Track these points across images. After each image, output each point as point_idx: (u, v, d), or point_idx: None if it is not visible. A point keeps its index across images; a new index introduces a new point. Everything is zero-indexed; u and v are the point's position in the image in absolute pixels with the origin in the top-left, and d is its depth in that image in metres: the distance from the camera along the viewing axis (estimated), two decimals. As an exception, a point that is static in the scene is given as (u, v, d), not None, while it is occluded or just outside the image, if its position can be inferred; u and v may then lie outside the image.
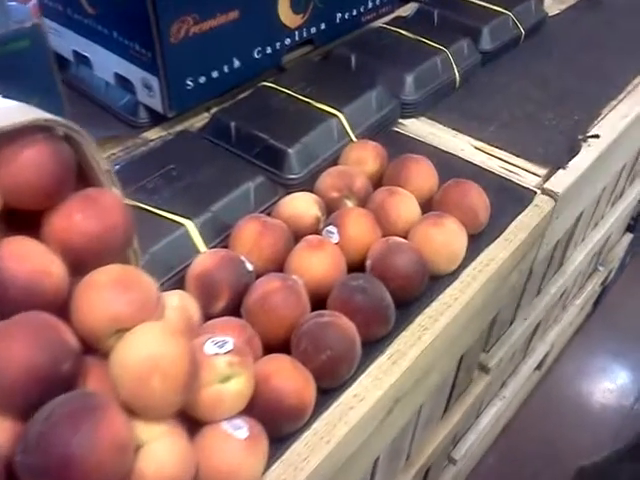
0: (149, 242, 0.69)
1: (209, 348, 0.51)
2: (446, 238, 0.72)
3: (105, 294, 0.48)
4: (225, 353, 0.51)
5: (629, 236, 1.93)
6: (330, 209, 0.77)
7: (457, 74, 1.06)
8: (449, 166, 0.88)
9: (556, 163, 0.91)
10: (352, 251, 0.72)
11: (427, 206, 0.80)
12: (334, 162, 0.86)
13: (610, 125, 1.01)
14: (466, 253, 0.75)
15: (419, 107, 1.00)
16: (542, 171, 0.90)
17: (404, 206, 0.76)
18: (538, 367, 1.71)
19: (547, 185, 0.87)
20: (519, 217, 0.82)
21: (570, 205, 0.95)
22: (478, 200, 0.77)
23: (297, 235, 0.73)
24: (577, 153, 0.94)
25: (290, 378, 0.56)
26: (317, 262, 0.68)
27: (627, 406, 1.85)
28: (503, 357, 1.18)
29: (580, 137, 0.96)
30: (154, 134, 0.93)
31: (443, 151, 0.92)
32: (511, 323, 1.20)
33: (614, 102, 1.07)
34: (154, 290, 0.51)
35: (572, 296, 1.68)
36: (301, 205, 0.75)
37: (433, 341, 0.68)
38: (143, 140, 0.92)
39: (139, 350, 0.45)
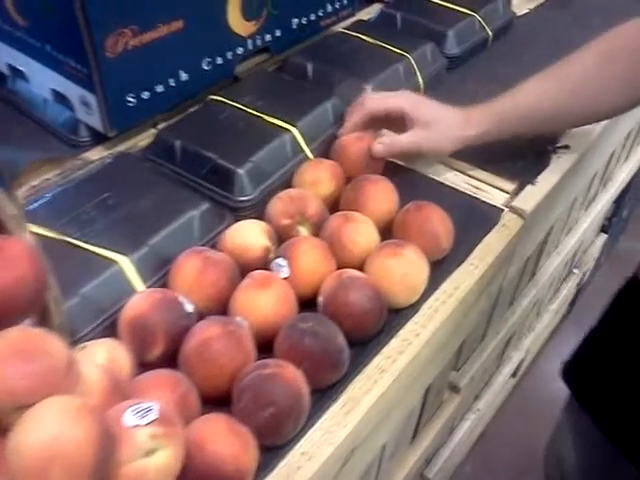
0: (79, 283, 0.62)
1: (129, 419, 0.45)
2: (405, 269, 0.66)
3: (1, 365, 0.42)
4: (148, 424, 0.45)
5: (603, 236, 1.90)
6: (282, 237, 0.71)
7: (421, 81, 1.01)
8: (412, 184, 0.83)
9: (525, 178, 0.86)
10: (303, 286, 0.66)
11: (387, 230, 0.74)
12: (288, 181, 0.80)
13: (581, 133, 0.96)
14: (428, 282, 0.69)
15: (381, 119, 0.94)
16: (510, 186, 0.85)
17: (361, 233, 0.70)
18: (513, 374, 1.67)
19: (515, 203, 0.82)
20: (485, 239, 0.77)
21: (540, 221, 0.90)
22: (440, 225, 0.72)
23: (244, 268, 0.67)
24: (547, 166, 0.89)
25: (227, 443, 0.50)
26: (263, 301, 0.62)
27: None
28: (475, 374, 1.14)
29: (550, 148, 0.91)
30: (96, 154, 0.86)
31: (405, 168, 0.86)
32: (482, 339, 1.16)
33: (585, 109, 1.02)
34: (63, 356, 0.45)
35: (547, 302, 1.64)
36: (248, 235, 0.69)
37: (392, 384, 0.62)
38: (84, 161, 0.85)
39: (36, 435, 0.39)
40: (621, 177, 1.57)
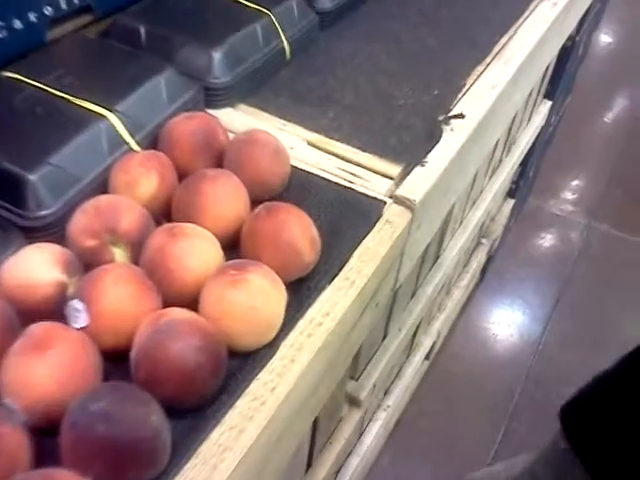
0: None
1: None
2: (251, 301, 0.49)
3: None
4: None
5: (511, 202, 1.80)
6: (88, 264, 0.52)
7: (286, 43, 0.82)
8: (269, 175, 0.65)
9: (412, 157, 0.70)
10: (110, 337, 0.48)
11: (235, 244, 0.57)
12: (106, 185, 0.61)
13: (477, 99, 0.81)
14: (288, 312, 0.52)
15: (234, 92, 0.75)
16: (395, 170, 0.69)
17: (193, 253, 0.52)
18: (426, 357, 1.55)
19: (400, 191, 0.65)
20: (364, 243, 0.60)
21: (434, 208, 0.75)
22: (301, 232, 0.55)
23: (30, 316, 0.48)
24: (438, 141, 0.73)
25: None
26: (42, 372, 0.43)
27: (522, 377, 1.75)
28: (377, 380, 0.99)
29: (441, 119, 0.76)
30: None
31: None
32: (383, 339, 1.01)
33: (480, 68, 0.87)
34: None
35: (456, 279, 1.52)
36: (33, 267, 0.50)
37: (240, 464, 0.45)
38: None
39: None
40: (525, 139, 1.46)
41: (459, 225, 1.22)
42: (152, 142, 0.65)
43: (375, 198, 0.65)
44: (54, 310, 0.49)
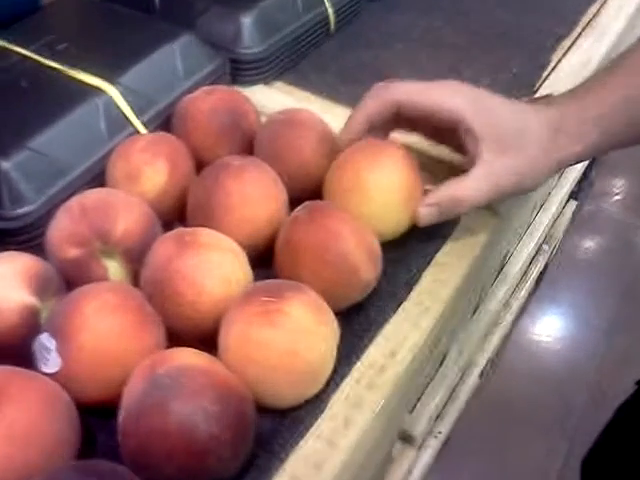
0: None
1: None
2: (289, 341, 0.34)
3: None
4: None
5: (573, 204, 1.63)
6: (72, 282, 0.39)
7: (331, 12, 0.68)
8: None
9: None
10: (91, 387, 0.34)
11: (268, 258, 0.42)
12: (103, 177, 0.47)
13: (566, 78, 0.66)
14: (340, 351, 0.38)
15: (268, 66, 0.61)
16: (471, 162, 0.54)
17: (211, 271, 0.38)
18: (480, 376, 1.40)
19: (482, 189, 0.50)
20: (438, 257, 0.46)
21: (517, 212, 0.60)
22: (355, 241, 0.40)
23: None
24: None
25: None
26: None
27: (581, 395, 1.58)
28: (433, 412, 0.84)
29: (525, 101, 0.61)
30: None
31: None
32: (442, 361, 0.86)
33: (566, 42, 0.72)
34: None
35: (515, 289, 1.36)
36: (-7, 289, 0.36)
37: None
38: None
39: None
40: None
41: (525, 231, 1.07)
42: (164, 124, 0.51)
43: (449, 197, 0.50)
44: (21, 345, 0.36)
